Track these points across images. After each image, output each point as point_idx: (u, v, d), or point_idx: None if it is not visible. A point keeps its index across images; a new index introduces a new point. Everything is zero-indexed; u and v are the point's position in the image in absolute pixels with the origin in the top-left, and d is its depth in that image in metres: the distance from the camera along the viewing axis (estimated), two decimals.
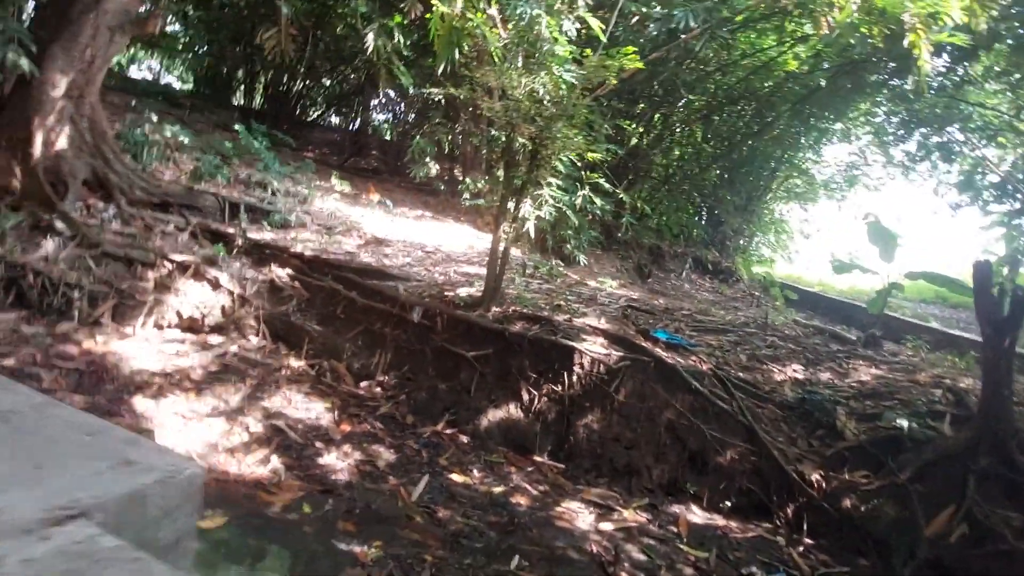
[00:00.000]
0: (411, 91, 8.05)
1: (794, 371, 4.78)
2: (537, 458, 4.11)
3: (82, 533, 0.43)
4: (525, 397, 4.25)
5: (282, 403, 4.21)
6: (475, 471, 3.82)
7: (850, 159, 12.07)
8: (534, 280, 5.92)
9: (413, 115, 11.67)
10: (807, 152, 11.30)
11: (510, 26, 4.54)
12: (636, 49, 4.40)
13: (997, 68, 8.20)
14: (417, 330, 4.69)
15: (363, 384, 4.65)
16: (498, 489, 3.64)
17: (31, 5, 6.30)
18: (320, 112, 13.82)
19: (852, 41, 6.02)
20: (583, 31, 5.11)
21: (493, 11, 4.55)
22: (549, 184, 4.87)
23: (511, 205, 4.71)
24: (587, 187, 6.31)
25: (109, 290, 4.94)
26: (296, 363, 4.78)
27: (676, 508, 3.71)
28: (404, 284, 5.07)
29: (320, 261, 5.32)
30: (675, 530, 3.50)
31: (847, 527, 3.45)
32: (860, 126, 11.11)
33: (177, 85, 14.15)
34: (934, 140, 10.04)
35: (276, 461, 3.50)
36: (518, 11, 4.25)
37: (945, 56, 7.76)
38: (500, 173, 5.02)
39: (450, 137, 9.09)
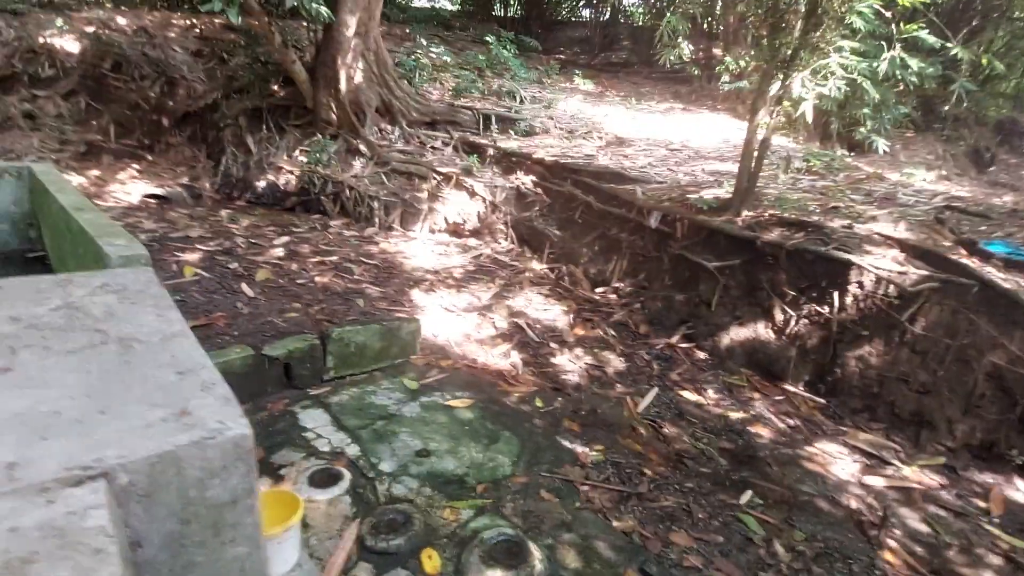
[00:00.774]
0: None
1: None
2: (789, 387, 3.56)
3: (81, 502, 0.40)
4: (778, 317, 3.64)
5: (524, 303, 4.50)
6: (710, 391, 3.52)
7: None
8: (804, 177, 4.85)
9: None
10: None
11: None
12: None
13: None
14: (655, 236, 4.37)
15: (599, 290, 4.65)
16: (735, 414, 3.30)
17: None
18: (570, 8, 13.36)
19: None
20: None
21: None
22: (839, 48, 3.73)
23: (775, 83, 3.79)
24: (897, 46, 4.66)
25: (397, 200, 5.90)
26: (538, 266, 5.04)
27: (988, 478, 2.81)
28: (643, 187, 4.72)
29: (559, 166, 5.31)
30: (982, 505, 2.67)
31: None
32: None
33: (448, 6, 15.28)
34: None
35: (516, 356, 3.80)
36: None
37: None
38: (765, 43, 4.05)
39: (709, 13, 7.75)
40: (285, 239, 4.93)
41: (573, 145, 5.88)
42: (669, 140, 5.83)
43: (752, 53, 6.33)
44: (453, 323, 4.14)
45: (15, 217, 2.61)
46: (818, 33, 3.48)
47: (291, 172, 6.08)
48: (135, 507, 0.48)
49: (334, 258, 4.86)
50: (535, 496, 2.40)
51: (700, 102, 7.43)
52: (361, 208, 5.97)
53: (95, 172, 6.11)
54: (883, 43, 4.78)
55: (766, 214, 3.93)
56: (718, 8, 7.76)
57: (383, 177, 6.09)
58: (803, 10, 3.43)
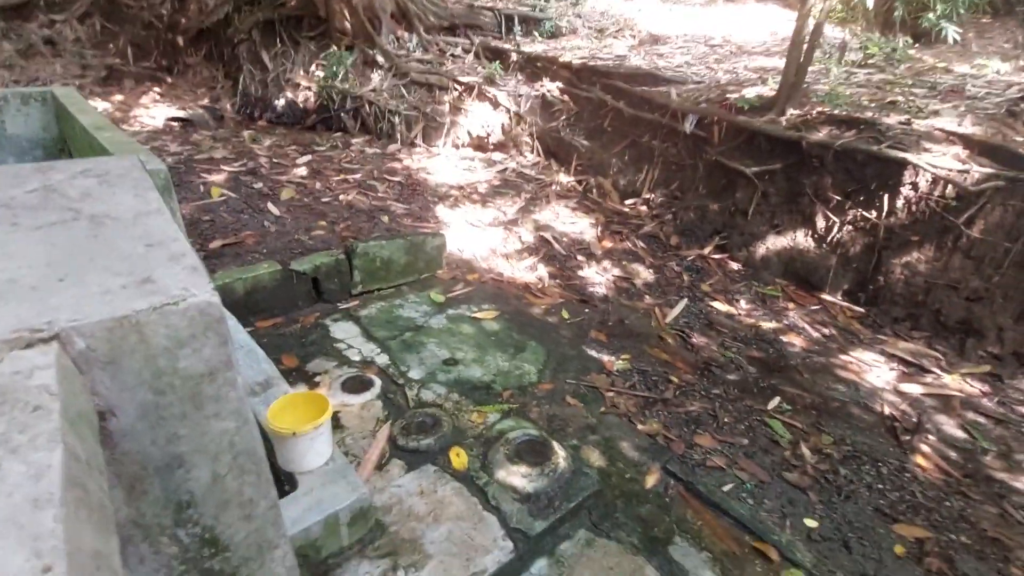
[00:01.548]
0: None
1: None
2: (826, 297, 3.43)
3: (30, 363, 0.38)
4: (820, 224, 3.44)
5: (551, 216, 4.40)
6: (742, 302, 3.43)
7: None
8: (861, 69, 4.40)
9: None
10: None
11: None
12: None
13: None
14: (689, 142, 4.11)
15: (628, 201, 4.48)
16: (768, 324, 3.22)
17: None
18: None
19: None
20: None
21: None
22: None
23: None
24: None
25: (418, 114, 5.69)
26: (565, 179, 4.86)
27: None
28: (678, 88, 4.38)
29: (588, 70, 4.96)
30: None
31: None
32: None
33: None
34: None
35: (542, 269, 3.76)
36: None
37: None
38: None
39: None
40: (307, 158, 4.86)
41: (603, 45, 5.46)
42: (709, 35, 5.33)
43: None
44: (479, 238, 4.09)
45: (46, 143, 2.60)
46: None
47: (308, 88, 5.90)
48: (100, 374, 0.47)
49: (357, 176, 4.79)
50: (560, 401, 2.43)
51: None
52: (382, 124, 5.80)
53: (118, 97, 6.07)
54: None
55: (814, 112, 3.61)
56: None
57: (402, 90, 5.85)
58: None
